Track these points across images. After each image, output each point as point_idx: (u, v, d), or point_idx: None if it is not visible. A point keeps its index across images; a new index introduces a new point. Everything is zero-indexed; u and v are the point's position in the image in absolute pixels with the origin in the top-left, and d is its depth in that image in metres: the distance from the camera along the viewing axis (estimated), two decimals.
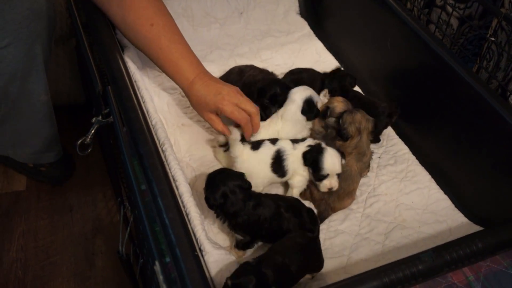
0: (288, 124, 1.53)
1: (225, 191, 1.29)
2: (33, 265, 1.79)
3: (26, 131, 1.81)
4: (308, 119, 1.53)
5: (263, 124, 1.55)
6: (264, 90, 1.58)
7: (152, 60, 1.52)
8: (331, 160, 1.39)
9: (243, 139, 1.47)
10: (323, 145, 1.42)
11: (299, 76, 1.76)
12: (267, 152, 1.45)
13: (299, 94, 1.51)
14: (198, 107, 1.49)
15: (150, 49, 1.49)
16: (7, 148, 1.92)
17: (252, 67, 1.78)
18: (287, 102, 1.53)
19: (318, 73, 1.81)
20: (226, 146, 1.55)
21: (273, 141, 1.47)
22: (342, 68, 1.92)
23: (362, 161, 1.49)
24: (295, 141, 1.47)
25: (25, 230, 1.88)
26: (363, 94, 1.81)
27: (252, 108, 1.45)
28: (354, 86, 1.80)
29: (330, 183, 1.41)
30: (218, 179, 1.32)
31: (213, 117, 1.48)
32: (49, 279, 1.75)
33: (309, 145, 1.43)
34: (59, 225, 1.91)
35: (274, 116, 1.56)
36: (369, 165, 1.55)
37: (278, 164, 1.44)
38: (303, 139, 1.47)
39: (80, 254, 1.83)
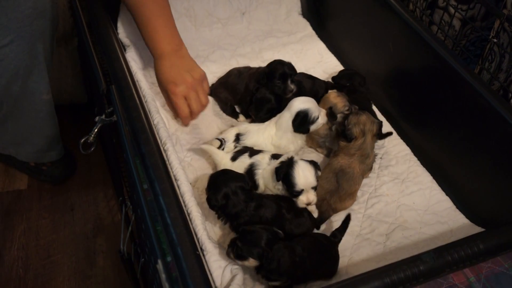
0: (279, 131, 1.53)
1: (227, 192, 1.29)
2: (34, 263, 1.79)
3: (28, 130, 1.82)
4: (295, 130, 1.50)
5: (259, 127, 1.56)
6: (271, 72, 1.63)
7: (137, 25, 1.59)
8: (303, 174, 1.33)
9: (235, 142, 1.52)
10: (295, 159, 1.36)
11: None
12: (241, 164, 1.46)
13: (297, 104, 1.50)
14: (157, 80, 1.58)
15: (138, 13, 1.55)
16: (9, 147, 1.92)
17: (250, 68, 1.79)
18: (285, 109, 1.54)
19: (321, 82, 1.80)
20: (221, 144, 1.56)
21: (253, 153, 1.47)
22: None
23: (365, 163, 1.49)
24: (275, 156, 1.44)
25: (26, 229, 1.89)
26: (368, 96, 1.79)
27: (197, 107, 1.56)
28: (364, 85, 1.78)
29: (307, 198, 1.35)
30: (220, 180, 1.32)
31: (165, 96, 1.59)
32: (50, 278, 1.75)
33: (282, 161, 1.38)
34: (60, 224, 1.91)
35: (272, 120, 1.58)
36: (371, 167, 1.55)
37: (251, 178, 1.43)
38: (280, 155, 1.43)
39: (81, 253, 1.83)
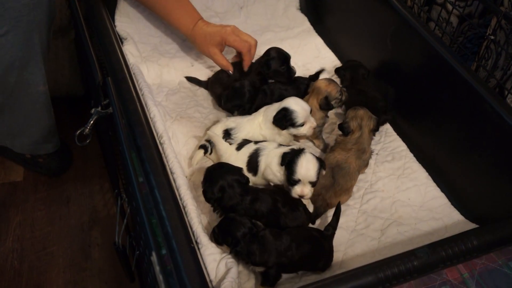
0: (266, 122, 1.54)
1: (223, 185, 1.30)
2: (29, 255, 1.79)
3: (24, 121, 1.81)
4: (273, 121, 1.51)
5: (248, 118, 1.58)
6: (273, 58, 1.69)
7: (155, 10, 1.74)
8: (306, 165, 1.34)
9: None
10: (306, 150, 1.38)
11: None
12: (246, 150, 1.47)
13: (288, 101, 1.51)
14: (204, 43, 1.71)
15: (154, 6, 1.73)
16: (5, 139, 1.91)
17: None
18: (276, 103, 1.55)
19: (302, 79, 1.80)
20: (206, 150, 1.57)
21: (258, 142, 1.50)
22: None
23: (361, 158, 1.50)
24: (283, 145, 1.47)
25: (21, 221, 1.88)
26: (371, 88, 1.77)
27: (252, 39, 1.71)
28: (368, 77, 1.80)
29: (301, 190, 1.35)
30: (217, 173, 1.33)
31: (217, 52, 1.72)
32: (45, 270, 1.75)
33: (293, 148, 1.41)
34: (56, 216, 1.91)
35: (260, 110, 1.59)
36: (367, 163, 1.55)
37: (253, 161, 1.45)
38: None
39: (77, 245, 1.83)
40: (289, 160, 1.36)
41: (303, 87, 1.73)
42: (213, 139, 1.52)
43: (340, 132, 1.54)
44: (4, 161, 2.06)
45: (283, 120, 1.49)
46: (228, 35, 1.67)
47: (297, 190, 1.36)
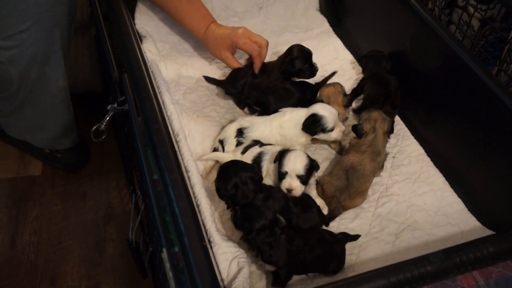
0: (290, 123, 1.54)
1: (236, 182, 1.30)
2: (45, 248, 1.81)
3: (43, 116, 1.83)
4: (303, 128, 1.51)
5: (265, 119, 1.58)
6: (299, 57, 1.69)
7: (169, 13, 1.76)
8: (293, 159, 1.36)
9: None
10: (299, 148, 1.43)
11: None
12: (250, 154, 1.48)
13: (316, 107, 1.52)
14: (216, 46, 1.73)
15: (169, 3, 1.72)
16: (25, 133, 1.94)
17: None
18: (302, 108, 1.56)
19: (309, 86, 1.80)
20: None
21: (263, 145, 1.50)
22: None
23: (376, 160, 1.48)
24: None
25: (39, 214, 1.91)
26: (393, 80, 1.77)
27: (262, 40, 1.71)
28: (389, 69, 1.80)
29: (289, 183, 1.36)
30: (230, 170, 1.33)
31: (229, 55, 1.73)
32: (60, 264, 1.77)
33: (288, 149, 1.43)
34: (72, 211, 1.93)
35: (284, 109, 1.59)
36: (382, 166, 1.54)
37: (257, 164, 1.45)
38: None
39: (92, 240, 1.85)
40: (279, 156, 1.39)
41: (309, 93, 1.72)
42: (215, 158, 1.55)
43: (354, 135, 1.54)
44: (23, 155, 2.09)
45: (313, 126, 1.50)
46: (239, 38, 1.68)
47: (285, 184, 1.37)
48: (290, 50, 1.72)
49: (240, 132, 1.55)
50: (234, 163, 1.37)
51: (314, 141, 1.63)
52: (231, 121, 1.63)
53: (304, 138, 1.56)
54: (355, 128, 1.51)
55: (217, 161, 1.56)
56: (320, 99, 1.66)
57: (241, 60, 1.81)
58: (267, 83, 1.70)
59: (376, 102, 1.65)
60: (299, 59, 1.70)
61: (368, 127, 1.49)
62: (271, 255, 1.22)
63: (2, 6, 1.50)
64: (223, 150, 1.56)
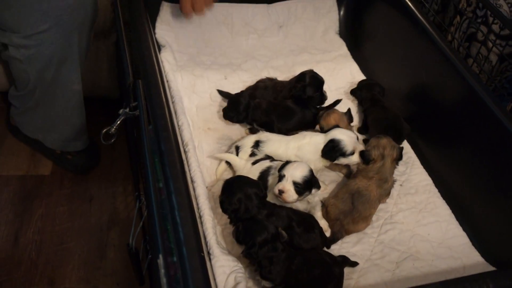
0: (310, 147, 1.54)
1: (240, 197, 1.30)
2: (47, 248, 1.81)
3: (56, 117, 1.86)
4: (322, 155, 1.51)
5: (282, 137, 1.59)
6: (311, 85, 1.70)
7: None
8: (295, 166, 1.37)
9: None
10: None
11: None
12: (259, 167, 1.49)
13: (334, 133, 1.51)
14: None
15: None
16: (38, 132, 1.97)
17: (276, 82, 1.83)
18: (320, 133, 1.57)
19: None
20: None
21: (274, 160, 1.51)
22: None
23: (383, 187, 1.48)
24: None
25: (44, 214, 1.92)
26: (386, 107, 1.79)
27: (200, 5, 1.70)
28: (383, 95, 1.82)
29: (282, 185, 1.36)
30: (235, 185, 1.33)
31: None
32: (60, 265, 1.77)
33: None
34: (77, 213, 1.94)
35: (304, 133, 1.59)
36: (389, 193, 1.53)
37: (264, 178, 1.47)
38: None
39: (94, 244, 1.85)
40: (285, 163, 1.41)
41: (309, 115, 1.72)
42: (227, 158, 1.57)
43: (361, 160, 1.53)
44: (35, 154, 2.11)
45: (332, 152, 1.50)
46: None
47: (278, 185, 1.38)
48: (303, 76, 1.72)
49: (257, 144, 1.57)
50: (239, 178, 1.37)
51: (333, 167, 1.63)
52: (243, 137, 1.66)
53: (322, 163, 1.56)
54: (363, 155, 1.50)
55: (229, 165, 1.58)
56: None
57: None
58: (267, 102, 1.70)
59: (381, 130, 1.65)
60: (310, 86, 1.69)
61: (376, 154, 1.48)
62: (271, 271, 1.22)
63: (25, 5, 1.53)
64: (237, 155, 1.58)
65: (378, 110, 1.74)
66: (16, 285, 1.70)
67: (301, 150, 1.55)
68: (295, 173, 1.36)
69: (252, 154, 1.56)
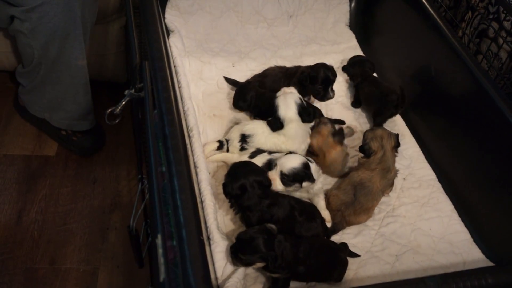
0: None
1: (244, 183, 1.29)
2: (49, 228, 1.82)
3: (62, 95, 1.86)
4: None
5: (264, 130, 1.56)
6: (315, 76, 1.65)
7: None
8: (288, 157, 1.38)
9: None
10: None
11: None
12: (260, 159, 1.47)
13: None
14: None
15: None
16: (44, 111, 1.97)
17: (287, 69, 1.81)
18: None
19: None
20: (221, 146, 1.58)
21: (271, 152, 1.50)
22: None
23: (386, 177, 1.47)
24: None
25: (47, 194, 1.93)
26: (380, 80, 1.84)
27: None
28: (373, 71, 1.86)
29: (271, 174, 1.36)
30: (241, 170, 1.32)
31: None
32: (61, 245, 1.78)
33: None
34: (80, 195, 1.94)
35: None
36: (392, 183, 1.52)
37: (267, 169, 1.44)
38: None
39: (96, 226, 1.86)
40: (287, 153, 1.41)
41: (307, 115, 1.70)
42: (221, 159, 1.57)
43: (362, 154, 1.53)
44: (41, 134, 2.11)
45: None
46: None
47: (269, 173, 1.37)
48: (317, 66, 1.70)
49: (243, 139, 1.54)
50: (246, 164, 1.36)
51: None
52: (236, 123, 1.64)
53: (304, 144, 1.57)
54: (362, 149, 1.50)
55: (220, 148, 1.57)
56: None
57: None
58: (270, 93, 1.68)
59: (373, 103, 1.72)
60: (317, 78, 1.67)
61: (376, 145, 1.48)
62: (280, 263, 1.20)
63: None
64: (227, 148, 1.57)
65: (369, 84, 1.78)
66: (17, 263, 1.71)
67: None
68: (284, 164, 1.36)
69: (242, 149, 1.54)
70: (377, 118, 1.73)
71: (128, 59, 2.11)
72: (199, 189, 1.35)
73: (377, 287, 0.97)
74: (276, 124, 1.50)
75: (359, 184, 1.43)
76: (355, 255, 1.37)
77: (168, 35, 1.82)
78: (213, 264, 1.21)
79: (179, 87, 1.59)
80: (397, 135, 1.52)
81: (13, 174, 1.97)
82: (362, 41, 2.13)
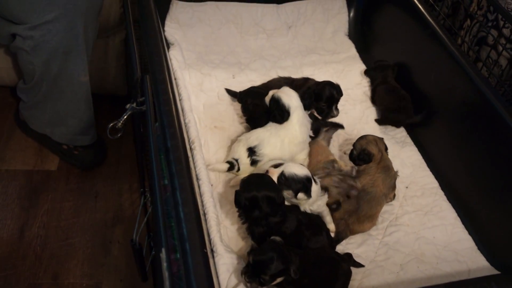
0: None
1: (256, 196, 1.28)
2: (52, 243, 1.82)
3: (64, 110, 1.86)
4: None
5: (269, 132, 1.56)
6: (320, 94, 1.64)
7: None
8: (292, 164, 1.38)
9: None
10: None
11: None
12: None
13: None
14: None
15: None
16: (46, 127, 1.97)
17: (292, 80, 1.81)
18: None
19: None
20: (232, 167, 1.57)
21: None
22: None
23: (389, 176, 1.47)
24: None
25: (49, 209, 1.92)
26: (397, 86, 1.88)
27: None
28: (394, 77, 1.90)
29: (272, 170, 1.36)
30: (256, 183, 1.31)
31: None
32: (64, 260, 1.78)
33: None
34: (83, 209, 1.94)
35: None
36: (395, 186, 1.51)
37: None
38: None
39: (98, 240, 1.85)
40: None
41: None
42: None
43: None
44: (42, 149, 2.11)
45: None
46: None
47: (269, 169, 1.38)
48: (323, 83, 1.68)
49: (251, 151, 1.53)
50: (261, 177, 1.34)
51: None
52: (238, 140, 1.61)
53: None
54: (361, 157, 1.49)
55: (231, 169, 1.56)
56: None
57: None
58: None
59: (391, 110, 1.78)
60: (321, 96, 1.65)
61: (374, 148, 1.48)
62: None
63: None
64: (239, 167, 1.55)
65: (384, 88, 1.86)
66: (20, 279, 1.71)
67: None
68: (288, 167, 1.35)
69: (253, 162, 1.53)
70: (383, 120, 1.82)
71: (128, 72, 2.11)
72: (202, 202, 1.35)
73: None
74: (283, 115, 1.51)
75: (362, 191, 1.43)
76: (359, 265, 1.36)
77: (168, 47, 1.83)
78: (217, 277, 1.21)
79: (180, 100, 1.60)
80: (382, 139, 1.54)
81: (15, 189, 1.96)
82: (361, 50, 2.13)
